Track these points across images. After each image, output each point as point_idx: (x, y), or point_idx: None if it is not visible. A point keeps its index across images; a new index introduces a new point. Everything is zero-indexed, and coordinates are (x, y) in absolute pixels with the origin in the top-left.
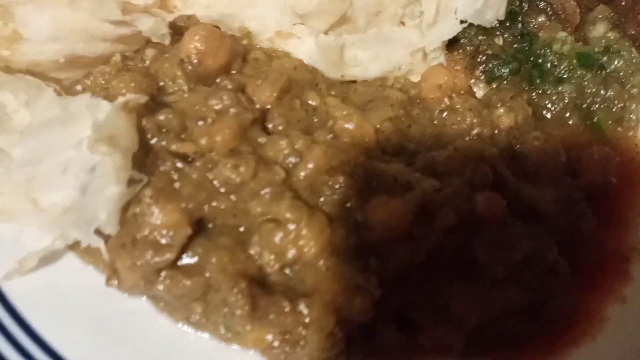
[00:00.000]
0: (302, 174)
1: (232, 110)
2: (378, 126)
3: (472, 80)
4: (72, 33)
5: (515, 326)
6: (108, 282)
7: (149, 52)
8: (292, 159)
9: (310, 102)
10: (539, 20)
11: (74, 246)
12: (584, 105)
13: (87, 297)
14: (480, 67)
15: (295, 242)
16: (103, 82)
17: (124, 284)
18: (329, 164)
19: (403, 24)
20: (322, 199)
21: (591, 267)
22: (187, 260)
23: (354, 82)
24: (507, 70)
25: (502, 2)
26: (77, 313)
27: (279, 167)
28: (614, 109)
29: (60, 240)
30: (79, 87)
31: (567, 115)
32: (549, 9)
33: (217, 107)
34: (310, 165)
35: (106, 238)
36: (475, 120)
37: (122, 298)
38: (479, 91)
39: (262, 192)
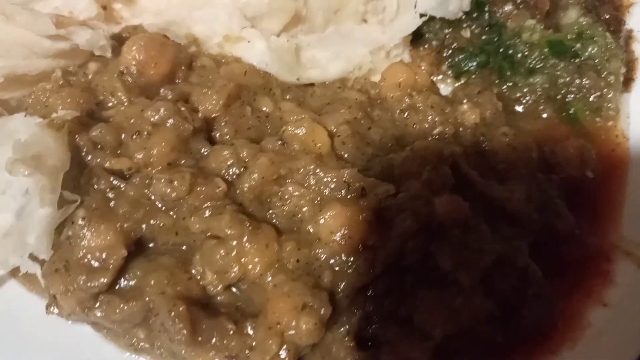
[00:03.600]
0: (247, 185)
1: (170, 121)
2: (334, 130)
3: (440, 76)
4: (9, 50)
5: (488, 336)
6: (47, 309)
7: (92, 66)
8: (237, 170)
9: (262, 108)
10: (506, 8)
11: (15, 272)
12: (558, 97)
13: (30, 326)
14: (447, 62)
15: (238, 260)
16: (44, 99)
17: (63, 310)
18: (277, 173)
19: (365, 21)
20: (271, 211)
21: (570, 269)
22: (126, 283)
23: (312, 85)
24: (475, 63)
25: None
26: (20, 344)
27: (220, 179)
28: (590, 99)
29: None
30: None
31: (541, 107)
32: None
33: (153, 120)
34: (255, 176)
35: (44, 262)
36: (437, 119)
37: (66, 326)
38: (447, 87)
39: (203, 207)
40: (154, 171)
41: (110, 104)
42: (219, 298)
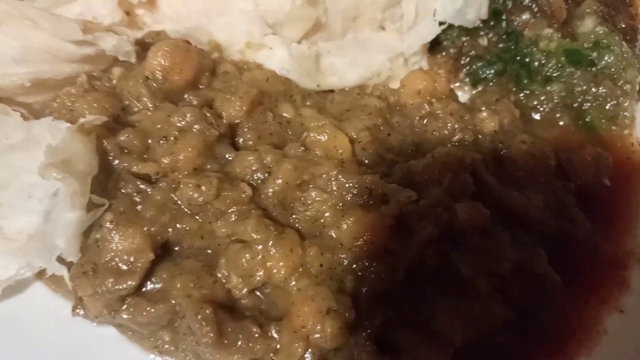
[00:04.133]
0: (271, 190)
1: (196, 127)
2: (355, 136)
3: (457, 84)
4: (36, 55)
5: (506, 342)
6: (74, 311)
7: (116, 71)
8: (261, 175)
9: (284, 114)
10: (524, 17)
11: (41, 274)
12: (575, 105)
13: (54, 327)
14: (465, 70)
15: (263, 264)
16: (69, 104)
17: (89, 312)
18: (300, 178)
19: (383, 28)
20: (294, 216)
21: (586, 276)
22: (152, 286)
23: (331, 91)
24: (492, 71)
25: (484, 1)
26: (44, 344)
27: (246, 184)
28: (606, 107)
29: (26, 268)
30: (48, 111)
31: (558, 115)
32: (534, 5)
33: (180, 125)
34: (279, 181)
35: (70, 265)
36: (457, 126)
37: (91, 327)
38: (464, 95)
39: (229, 212)
40: (181, 176)
41: (135, 109)
42: (243, 301)
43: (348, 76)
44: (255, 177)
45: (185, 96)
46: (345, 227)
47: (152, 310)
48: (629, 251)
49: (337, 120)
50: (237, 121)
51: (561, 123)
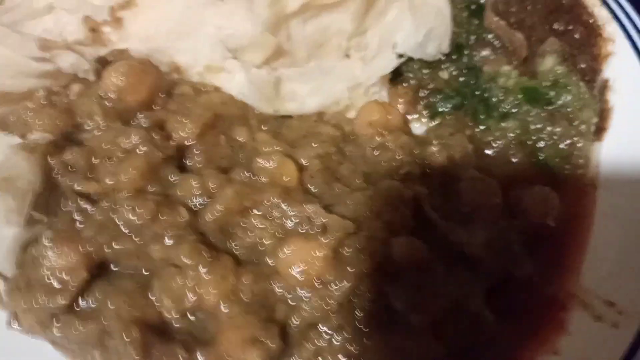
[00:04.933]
0: (211, 215)
1: (141, 148)
2: (306, 163)
3: (416, 116)
4: None
5: None
6: (9, 323)
7: (75, 88)
8: (203, 200)
9: (238, 138)
10: (483, 53)
11: None
12: (529, 142)
13: None
14: (423, 102)
15: (195, 289)
16: (26, 118)
17: (23, 327)
18: (242, 204)
19: (348, 56)
20: (233, 242)
21: (525, 316)
22: (87, 304)
23: (290, 116)
24: (450, 105)
25: (446, 35)
26: None
27: (184, 209)
28: (561, 146)
29: None
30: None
31: (511, 152)
32: (496, 41)
33: (125, 146)
34: (220, 207)
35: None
36: (405, 159)
37: (28, 340)
38: (422, 127)
39: (165, 235)
40: (121, 197)
41: (87, 127)
42: (175, 324)
43: (308, 103)
44: (197, 202)
45: (138, 116)
46: (283, 255)
47: (83, 328)
48: (571, 293)
49: (291, 146)
50: (188, 143)
51: (515, 160)
